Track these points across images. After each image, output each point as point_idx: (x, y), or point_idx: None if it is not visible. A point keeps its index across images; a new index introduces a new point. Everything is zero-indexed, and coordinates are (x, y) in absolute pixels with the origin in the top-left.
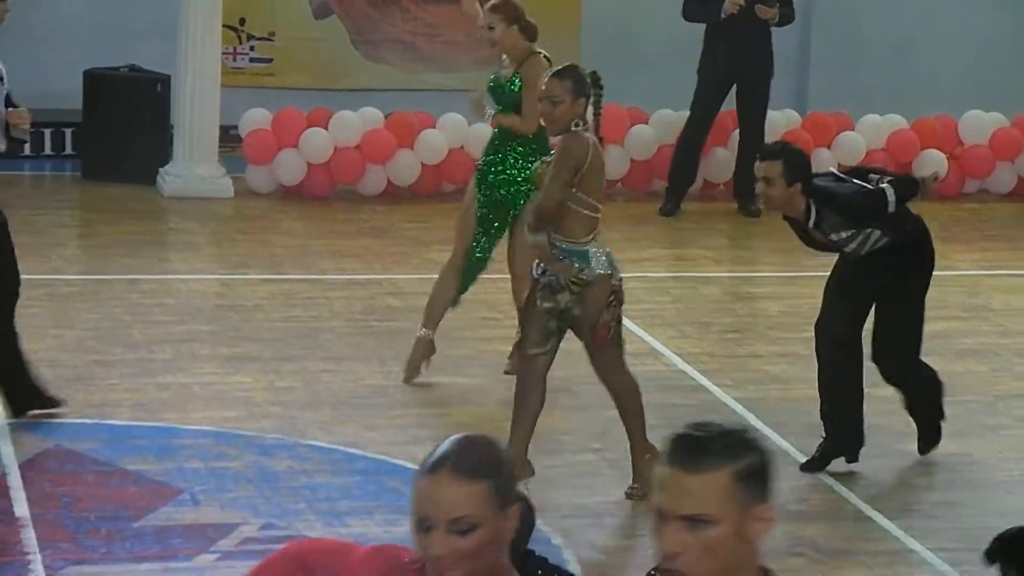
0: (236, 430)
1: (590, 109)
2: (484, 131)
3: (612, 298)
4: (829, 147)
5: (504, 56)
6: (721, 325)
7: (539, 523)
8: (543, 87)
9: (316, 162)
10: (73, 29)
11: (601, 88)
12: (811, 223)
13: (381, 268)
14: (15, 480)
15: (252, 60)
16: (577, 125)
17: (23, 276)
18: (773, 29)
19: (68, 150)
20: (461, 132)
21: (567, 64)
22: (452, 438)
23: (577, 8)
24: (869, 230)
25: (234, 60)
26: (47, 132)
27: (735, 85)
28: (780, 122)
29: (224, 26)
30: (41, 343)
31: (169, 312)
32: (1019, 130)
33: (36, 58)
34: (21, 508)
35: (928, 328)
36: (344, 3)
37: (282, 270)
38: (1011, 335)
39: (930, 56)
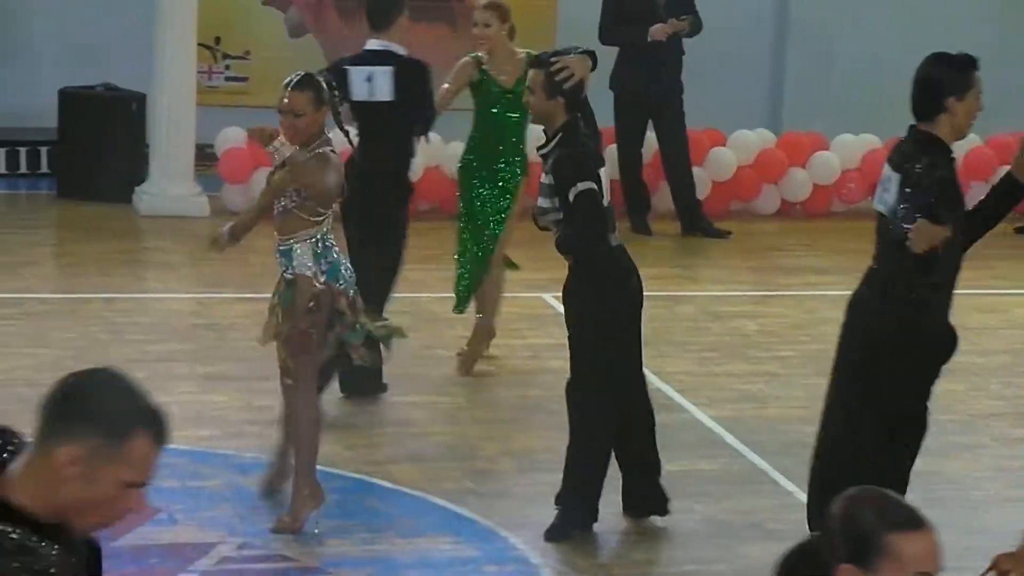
0: (213, 449)
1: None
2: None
3: (313, 304)
4: (804, 166)
5: (484, 54)
6: (698, 344)
7: (516, 541)
8: (284, 100)
9: None
10: (48, 47)
11: (336, 94)
12: (547, 149)
13: None
14: None
15: (228, 79)
16: (321, 137)
17: None
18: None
19: (44, 168)
20: (437, 151)
21: (304, 73)
22: None
23: (553, 9)
24: (559, 215)
25: (209, 79)
26: (22, 151)
27: (650, 104)
28: (754, 141)
29: (199, 45)
30: (16, 362)
31: (145, 331)
32: (993, 149)
33: (11, 76)
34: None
35: None
36: (319, 22)
37: (258, 289)
38: (988, 354)
39: (905, 74)
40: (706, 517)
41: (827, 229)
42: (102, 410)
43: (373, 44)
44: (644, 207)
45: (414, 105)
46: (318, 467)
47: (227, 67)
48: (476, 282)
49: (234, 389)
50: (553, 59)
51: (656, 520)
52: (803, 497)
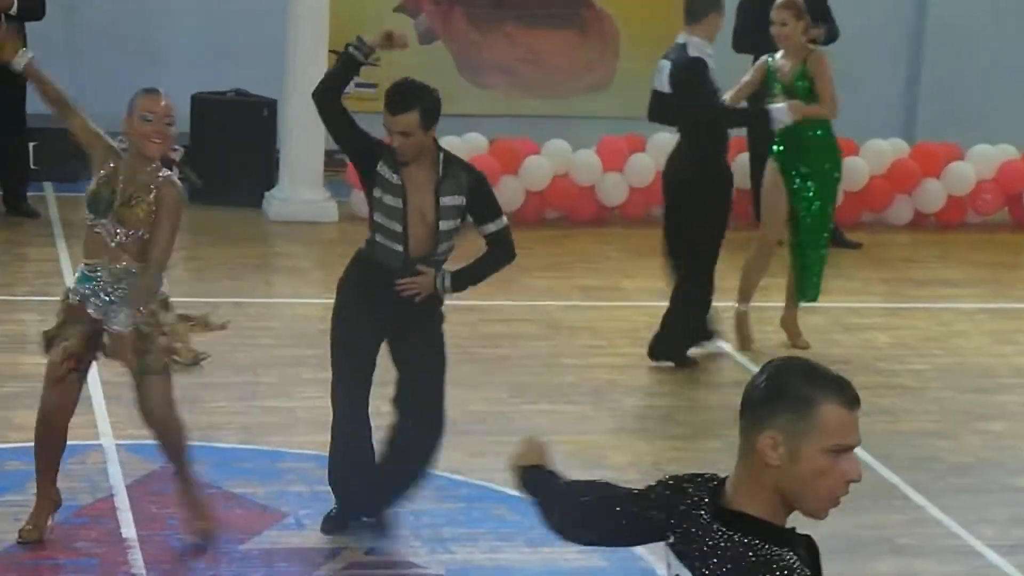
0: None
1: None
2: (589, 158)
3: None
4: (939, 177)
5: (780, 53)
6: (828, 357)
7: (642, 552)
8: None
9: None
10: (181, 53)
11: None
12: (438, 179)
13: (485, 294)
14: (122, 501)
15: (357, 85)
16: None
17: None
18: None
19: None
20: (565, 159)
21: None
22: None
23: None
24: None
25: None
26: None
27: None
28: (887, 151)
29: (330, 51)
30: None
31: (274, 335)
32: None
33: (144, 81)
34: (128, 529)
35: None
36: (449, 29)
37: None
38: None
39: None
40: (836, 532)
41: (961, 241)
42: (785, 391)
43: (680, 37)
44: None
45: (687, 98)
46: (444, 474)
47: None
48: (820, 269)
49: None
50: None
51: None
52: (935, 512)
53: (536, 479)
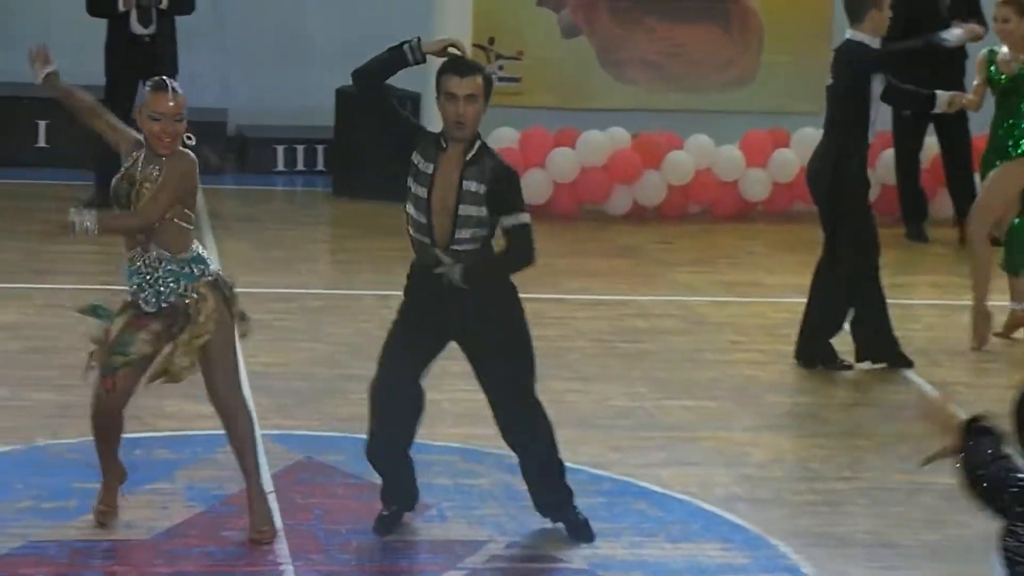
0: (484, 447)
1: None
2: (732, 153)
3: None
4: None
5: (1006, 49)
6: (977, 355)
7: (787, 551)
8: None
9: (562, 181)
10: (326, 47)
11: None
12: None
13: (627, 288)
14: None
15: (500, 79)
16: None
17: (276, 290)
18: None
19: (319, 166)
20: (708, 153)
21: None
22: None
23: (829, 8)
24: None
25: None
26: (300, 148)
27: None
28: None
29: (474, 45)
30: (292, 355)
31: None
32: None
33: (290, 76)
34: (274, 519)
35: None
36: (592, 23)
37: (527, 289)
38: None
39: None
40: (980, 533)
41: None
42: None
43: (847, 34)
44: (921, 214)
45: (846, 93)
46: (585, 468)
47: (500, 67)
48: None
49: None
50: None
51: (928, 534)
52: None
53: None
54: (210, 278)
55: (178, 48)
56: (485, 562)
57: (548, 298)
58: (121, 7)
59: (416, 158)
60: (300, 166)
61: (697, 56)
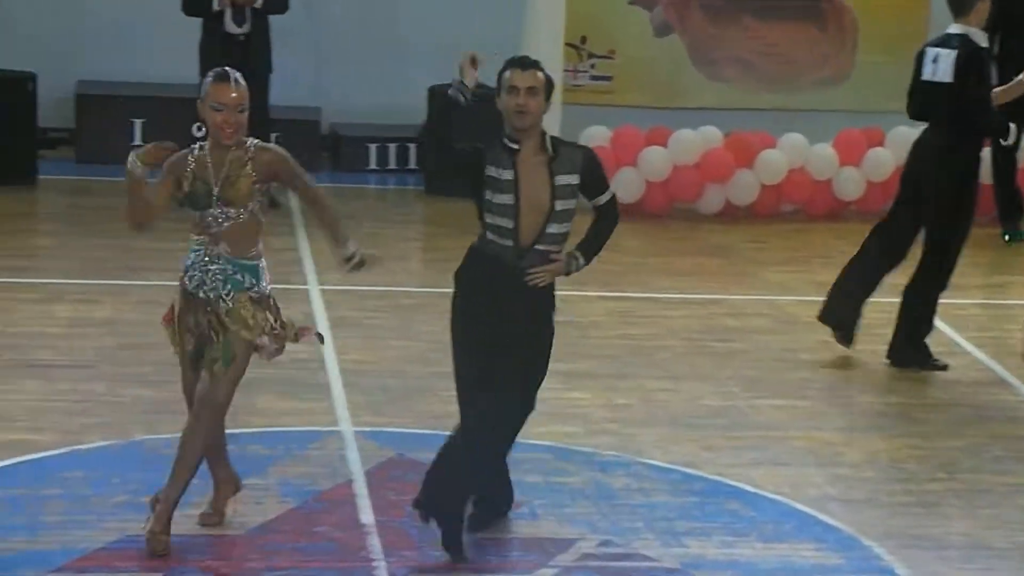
0: (574, 446)
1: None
2: (826, 152)
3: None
4: None
5: None
6: None
7: (881, 552)
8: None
9: (654, 180)
10: (420, 45)
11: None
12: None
13: (718, 288)
14: (360, 488)
15: (592, 78)
16: None
17: (368, 288)
18: None
19: (411, 165)
20: (801, 152)
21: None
22: None
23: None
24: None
25: (574, 78)
26: (392, 147)
27: None
28: None
29: (565, 44)
30: (383, 353)
31: None
32: None
33: (383, 75)
34: (366, 515)
35: None
36: (684, 21)
37: (619, 287)
38: None
39: None
40: None
41: None
42: None
43: (952, 28)
44: (1017, 213)
45: (970, 90)
46: (677, 467)
47: (592, 66)
48: None
49: (595, 387)
50: None
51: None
52: None
53: None
54: (255, 295)
55: (272, 47)
56: (576, 560)
57: (639, 297)
58: (216, 6)
59: (489, 170)
60: (392, 164)
61: (791, 54)
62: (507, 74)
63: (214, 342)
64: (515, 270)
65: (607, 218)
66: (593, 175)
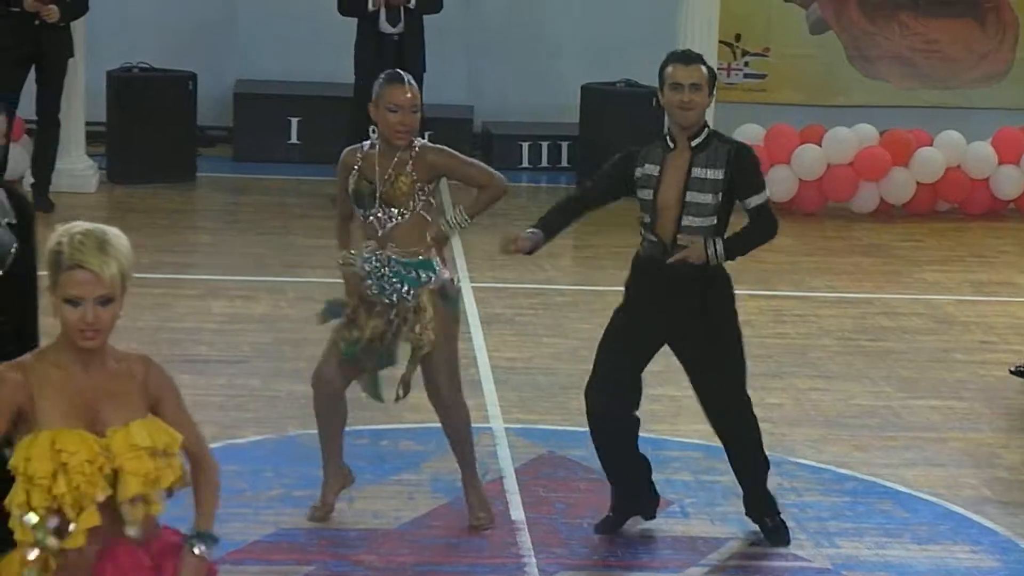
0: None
1: None
2: (984, 150)
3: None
4: None
5: None
6: None
7: None
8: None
9: (808, 178)
10: (572, 44)
11: None
12: (693, 152)
13: (872, 287)
14: (511, 484)
15: (746, 76)
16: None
17: (521, 285)
18: None
19: (564, 163)
20: (959, 150)
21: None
22: None
23: None
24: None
25: (728, 76)
26: (544, 145)
27: None
28: None
29: (720, 42)
30: (536, 350)
31: None
32: None
33: (536, 73)
34: (517, 512)
35: None
36: (841, 18)
37: (771, 286)
38: None
39: None
40: None
41: None
42: None
43: None
44: None
45: None
46: (830, 467)
47: (746, 64)
48: None
49: (748, 385)
50: None
51: None
52: None
53: None
54: (434, 286)
55: (426, 47)
56: (727, 559)
57: (792, 295)
58: (371, 6)
59: (639, 171)
60: (544, 163)
61: (950, 51)
62: (669, 69)
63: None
64: (664, 265)
65: (758, 224)
66: (742, 172)
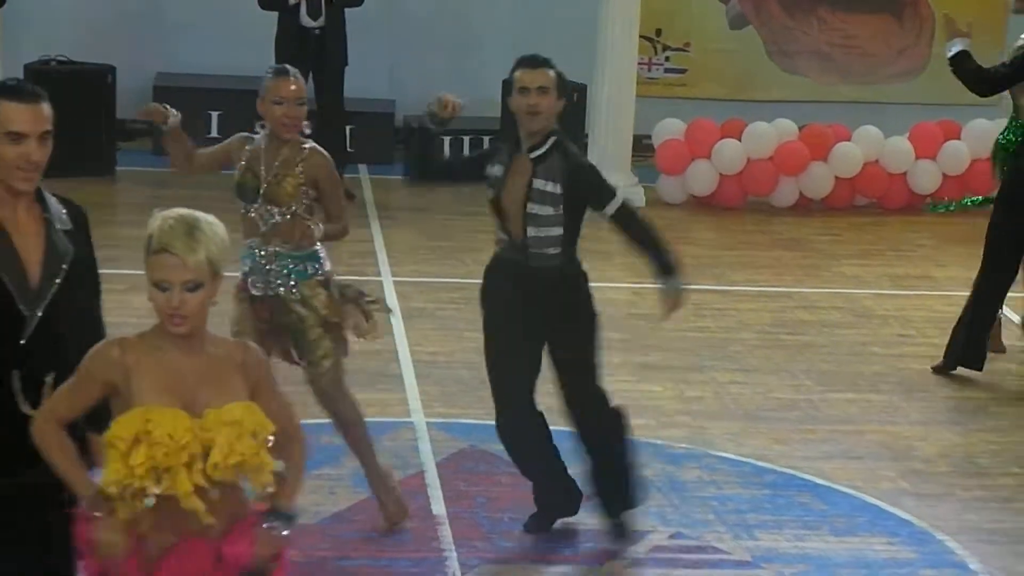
0: (646, 438)
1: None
2: (901, 145)
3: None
4: None
5: None
6: None
7: (954, 546)
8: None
9: (728, 173)
10: (494, 38)
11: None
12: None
13: (792, 281)
14: (432, 478)
15: (667, 71)
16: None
17: (440, 279)
18: None
19: None
20: (877, 145)
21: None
22: None
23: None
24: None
25: (648, 70)
26: (466, 139)
27: None
28: None
29: (641, 37)
30: (457, 345)
31: None
32: None
33: (458, 67)
34: (438, 506)
35: None
36: (761, 14)
37: (692, 280)
38: None
39: None
40: None
41: None
42: None
43: None
44: None
45: None
46: (749, 460)
47: (667, 59)
48: None
49: (667, 379)
50: None
51: None
52: None
53: None
54: (321, 277)
55: (348, 40)
56: (647, 552)
57: (712, 289)
58: (291, 0)
59: (489, 169)
60: None
61: (869, 47)
62: (517, 73)
63: (301, 339)
64: (523, 267)
65: (630, 225)
66: (584, 189)
